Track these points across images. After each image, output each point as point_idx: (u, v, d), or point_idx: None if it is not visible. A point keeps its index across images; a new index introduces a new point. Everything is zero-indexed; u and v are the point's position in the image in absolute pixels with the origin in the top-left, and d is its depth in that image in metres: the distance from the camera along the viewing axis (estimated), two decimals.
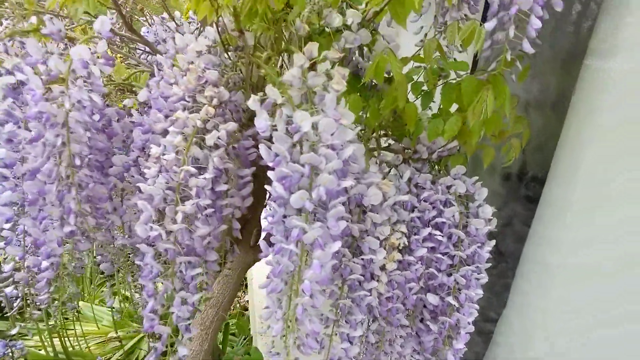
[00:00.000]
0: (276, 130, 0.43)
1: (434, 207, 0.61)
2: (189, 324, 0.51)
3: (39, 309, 0.71)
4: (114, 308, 1.41)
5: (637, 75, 0.59)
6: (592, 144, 0.64)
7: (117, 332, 1.27)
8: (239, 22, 0.45)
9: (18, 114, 0.52)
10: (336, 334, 0.56)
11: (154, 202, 0.45)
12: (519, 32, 0.49)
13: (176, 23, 1.09)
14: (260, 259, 0.87)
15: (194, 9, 0.50)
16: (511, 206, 0.74)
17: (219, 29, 0.54)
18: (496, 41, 0.51)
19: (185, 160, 0.47)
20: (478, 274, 0.63)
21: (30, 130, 0.49)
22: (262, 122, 0.40)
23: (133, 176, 0.56)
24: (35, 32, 0.46)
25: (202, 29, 1.01)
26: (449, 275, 0.62)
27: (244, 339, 1.45)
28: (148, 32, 1.11)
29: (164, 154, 0.46)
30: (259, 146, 0.44)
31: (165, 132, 0.54)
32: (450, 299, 0.62)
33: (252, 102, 0.42)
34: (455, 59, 0.61)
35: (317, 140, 0.41)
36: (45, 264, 0.57)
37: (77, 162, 0.47)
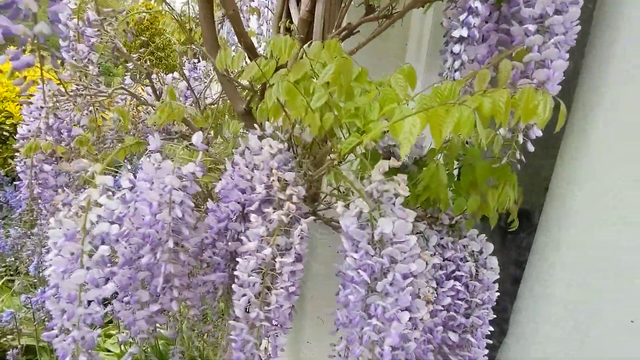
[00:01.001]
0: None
1: (453, 263, 0.75)
2: None
3: None
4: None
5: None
6: (584, 184, 0.74)
7: None
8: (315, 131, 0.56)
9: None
10: None
11: (255, 289, 0.54)
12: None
13: (186, 80, 1.16)
14: None
15: (272, 117, 0.59)
16: (505, 252, 0.89)
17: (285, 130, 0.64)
18: (505, 139, 0.66)
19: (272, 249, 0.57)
20: (488, 313, 0.77)
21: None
22: (350, 227, 0.51)
23: (210, 257, 0.64)
24: (141, 147, 0.54)
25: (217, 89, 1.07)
26: (467, 317, 0.76)
27: None
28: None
29: (258, 250, 0.55)
30: (342, 238, 0.54)
31: (240, 217, 0.63)
32: (468, 336, 0.76)
33: (340, 208, 0.53)
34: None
35: (392, 236, 0.53)
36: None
37: (182, 257, 0.55)
